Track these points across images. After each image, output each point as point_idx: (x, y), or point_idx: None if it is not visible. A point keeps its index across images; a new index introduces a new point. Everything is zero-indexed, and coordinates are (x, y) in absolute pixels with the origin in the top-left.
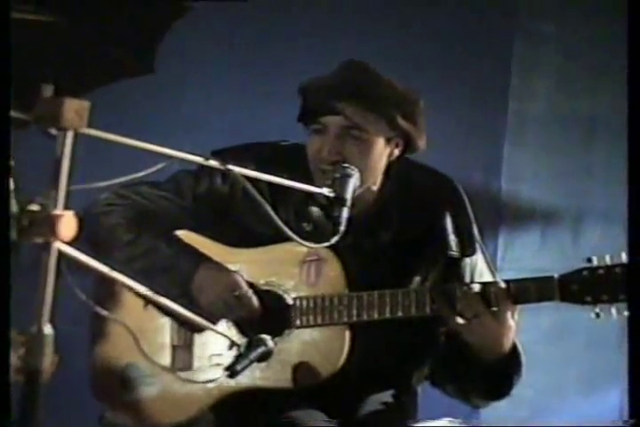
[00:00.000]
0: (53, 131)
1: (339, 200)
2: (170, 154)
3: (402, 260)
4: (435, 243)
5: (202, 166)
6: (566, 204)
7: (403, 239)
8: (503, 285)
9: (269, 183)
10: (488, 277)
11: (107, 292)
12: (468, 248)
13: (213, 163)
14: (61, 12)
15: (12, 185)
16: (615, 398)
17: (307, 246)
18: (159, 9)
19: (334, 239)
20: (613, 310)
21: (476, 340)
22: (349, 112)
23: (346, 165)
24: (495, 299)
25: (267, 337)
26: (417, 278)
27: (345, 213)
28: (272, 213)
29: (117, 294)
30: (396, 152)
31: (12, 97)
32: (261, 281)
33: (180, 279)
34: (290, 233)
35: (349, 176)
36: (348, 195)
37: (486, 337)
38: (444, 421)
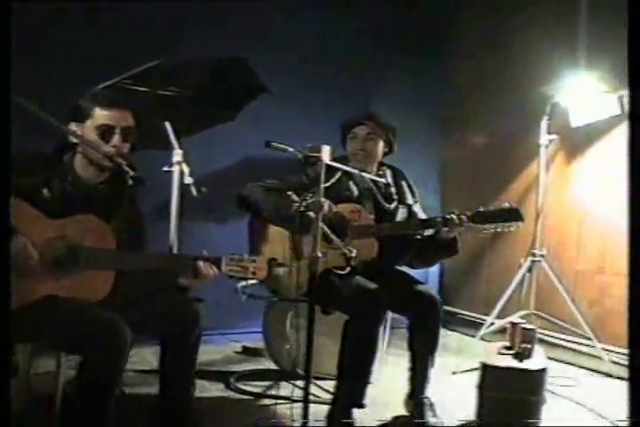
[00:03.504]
0: (312, 160)
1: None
2: (341, 168)
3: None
4: (403, 197)
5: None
6: None
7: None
8: (456, 217)
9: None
10: (422, 214)
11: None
12: (415, 200)
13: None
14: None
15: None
16: None
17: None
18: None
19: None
20: (496, 228)
21: (447, 235)
22: (370, 125)
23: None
24: (458, 221)
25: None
26: (398, 215)
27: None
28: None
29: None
30: (386, 150)
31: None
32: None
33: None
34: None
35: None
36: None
37: (451, 234)
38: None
